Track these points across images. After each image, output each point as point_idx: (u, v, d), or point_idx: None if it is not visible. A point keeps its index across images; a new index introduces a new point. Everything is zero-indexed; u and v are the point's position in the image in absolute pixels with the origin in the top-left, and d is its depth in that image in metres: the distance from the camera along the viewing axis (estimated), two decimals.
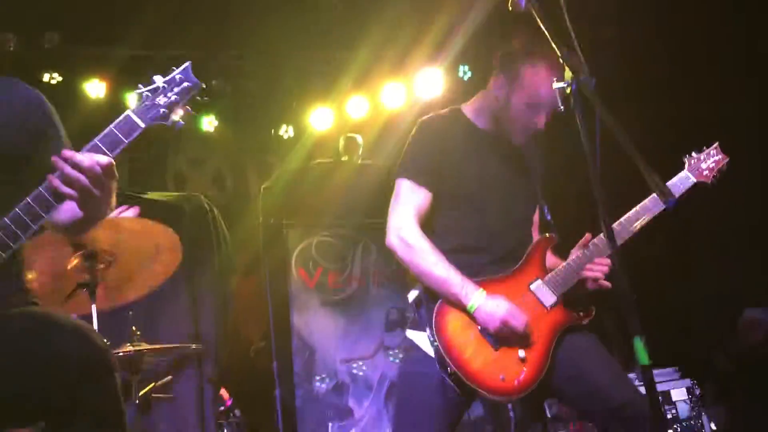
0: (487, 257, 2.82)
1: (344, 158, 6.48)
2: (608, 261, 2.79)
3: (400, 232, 2.78)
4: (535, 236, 2.98)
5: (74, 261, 3.29)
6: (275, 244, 6.29)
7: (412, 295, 2.84)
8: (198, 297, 5.98)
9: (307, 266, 6.46)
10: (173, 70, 2.22)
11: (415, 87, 6.40)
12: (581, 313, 2.79)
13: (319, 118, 6.60)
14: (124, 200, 6.01)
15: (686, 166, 2.96)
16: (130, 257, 3.46)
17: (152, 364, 4.06)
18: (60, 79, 5.87)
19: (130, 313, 3.75)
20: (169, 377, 4.12)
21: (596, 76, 2.22)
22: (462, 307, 2.68)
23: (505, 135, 2.95)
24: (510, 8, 2.59)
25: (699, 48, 5.59)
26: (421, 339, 2.74)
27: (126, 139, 2.11)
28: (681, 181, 2.93)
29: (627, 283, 2.06)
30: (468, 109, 2.99)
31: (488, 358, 2.64)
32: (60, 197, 2.00)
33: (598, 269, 2.79)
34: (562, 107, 2.66)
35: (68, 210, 2.18)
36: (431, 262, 2.72)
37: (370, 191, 6.46)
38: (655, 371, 2.03)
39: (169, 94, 2.17)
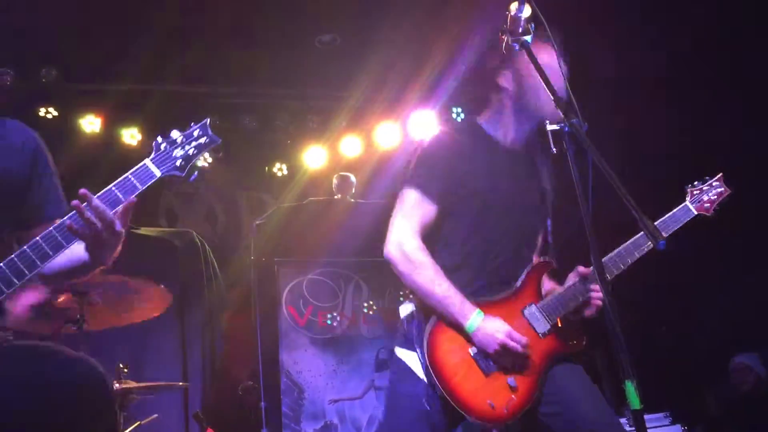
0: (487, 278, 2.75)
1: (337, 197, 6.50)
2: (599, 290, 2.73)
3: (402, 245, 2.69)
4: (535, 258, 2.92)
5: (63, 297, 3.27)
6: (266, 281, 6.27)
7: (405, 309, 2.76)
8: (187, 333, 5.94)
9: (298, 304, 6.43)
10: (192, 126, 2.25)
11: (409, 128, 6.45)
12: (573, 342, 2.74)
13: (313, 157, 6.64)
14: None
15: (688, 197, 2.96)
16: (118, 302, 3.45)
17: (138, 402, 4.00)
18: (56, 113, 5.90)
19: (118, 349, 3.71)
20: (155, 416, 4.06)
21: (589, 119, 2.25)
22: (459, 327, 2.62)
23: (529, 146, 2.88)
24: (504, 51, 2.64)
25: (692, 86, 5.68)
26: (410, 358, 2.68)
27: (141, 186, 2.19)
28: (682, 213, 2.92)
29: (618, 326, 2.06)
30: (484, 121, 2.91)
31: (478, 383, 2.59)
32: (72, 238, 2.01)
33: (596, 296, 2.73)
34: (554, 149, 2.69)
35: (66, 257, 2.18)
36: (431, 279, 2.64)
37: (362, 230, 6.47)
38: (646, 416, 2.01)
39: (186, 148, 2.23)
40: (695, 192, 2.97)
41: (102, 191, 2.12)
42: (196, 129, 2.27)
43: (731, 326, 5.89)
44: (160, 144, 2.22)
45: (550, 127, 2.62)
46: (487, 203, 2.77)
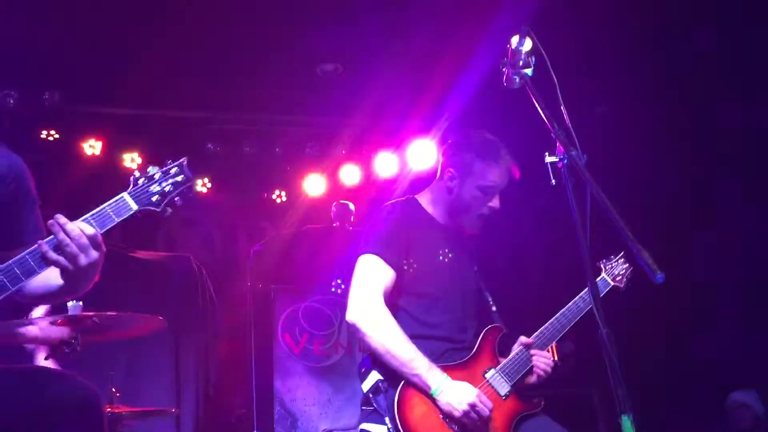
0: (444, 345, 2.83)
1: (335, 225, 6.50)
2: (549, 355, 2.88)
3: (366, 309, 2.72)
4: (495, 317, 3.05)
5: (60, 322, 3.27)
6: (263, 308, 6.25)
7: (367, 384, 2.73)
8: (181, 358, 5.91)
9: (293, 332, 6.40)
10: (169, 163, 2.30)
11: (408, 157, 6.48)
12: (533, 402, 2.82)
13: (313, 184, 6.65)
14: (115, 255, 6.01)
15: (602, 271, 3.17)
16: (113, 326, 3.47)
17: (131, 427, 3.96)
18: (57, 136, 5.92)
19: (112, 374, 3.69)
20: None
21: (587, 152, 2.27)
22: (425, 390, 2.63)
23: (458, 227, 3.04)
24: (504, 84, 2.67)
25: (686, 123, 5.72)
26: (376, 429, 2.67)
27: (117, 218, 2.20)
28: (602, 284, 3.11)
29: (616, 361, 2.05)
30: (423, 200, 3.07)
31: None
32: (46, 263, 2.02)
33: (542, 363, 2.85)
34: (554, 180, 2.71)
35: (41, 281, 2.19)
36: (398, 342, 2.66)
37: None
38: None
39: (163, 184, 2.26)
40: (608, 267, 3.18)
41: (77, 220, 2.11)
42: (173, 167, 2.31)
43: (730, 362, 5.86)
44: (138, 179, 2.25)
45: (548, 159, 2.66)
46: (437, 274, 2.89)
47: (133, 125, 6.13)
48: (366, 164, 6.65)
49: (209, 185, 6.58)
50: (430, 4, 4.86)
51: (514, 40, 2.50)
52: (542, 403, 2.84)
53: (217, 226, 6.86)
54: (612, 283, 3.15)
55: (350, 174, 6.66)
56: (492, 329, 2.92)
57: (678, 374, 6.06)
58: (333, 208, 6.55)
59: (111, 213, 2.16)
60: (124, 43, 5.23)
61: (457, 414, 2.59)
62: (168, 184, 2.26)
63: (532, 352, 2.84)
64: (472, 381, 2.71)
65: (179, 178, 2.28)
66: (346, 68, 5.79)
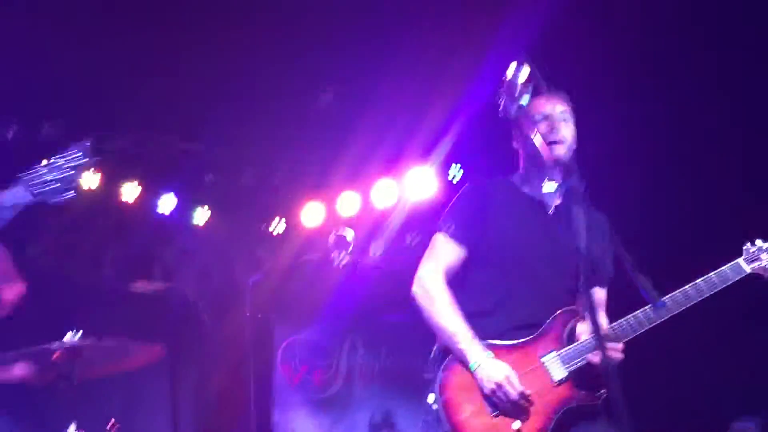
0: (508, 323, 2.75)
1: (334, 254, 6.50)
2: (621, 347, 2.67)
3: (424, 281, 2.81)
4: (604, 318, 2.85)
5: (58, 353, 3.25)
6: (261, 339, 6.22)
7: (432, 354, 2.82)
8: (179, 391, 5.86)
9: (293, 362, 6.36)
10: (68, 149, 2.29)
11: (407, 185, 6.48)
12: (589, 394, 2.66)
13: (310, 214, 6.65)
14: (111, 289, 5.99)
15: (744, 254, 2.80)
16: (111, 357, 3.45)
17: None
18: None
19: (109, 407, 3.65)
20: None
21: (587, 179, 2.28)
22: (465, 365, 2.64)
23: (555, 197, 2.91)
24: (501, 115, 2.68)
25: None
26: (432, 398, 2.72)
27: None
28: (732, 269, 2.77)
29: (620, 392, 2.04)
30: (516, 177, 3.02)
31: (484, 423, 2.58)
32: None
33: (615, 349, 2.64)
34: (551, 210, 2.73)
35: None
36: (445, 315, 2.72)
37: (359, 288, 6.45)
38: None
39: (57, 170, 2.23)
40: (752, 250, 2.80)
41: None
42: (71, 152, 2.28)
43: (732, 389, 5.82)
44: (36, 168, 2.24)
45: (545, 189, 2.69)
46: (515, 252, 2.83)
47: (130, 158, 6.13)
48: (364, 193, 6.66)
49: (206, 216, 6.57)
50: (428, 32, 4.90)
51: (510, 70, 2.51)
52: (599, 398, 2.64)
53: (214, 257, 6.84)
54: (748, 270, 2.76)
55: (348, 203, 6.66)
56: (565, 312, 2.78)
57: (680, 401, 6.02)
58: (331, 238, 6.56)
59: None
60: (122, 74, 5.25)
61: (486, 392, 2.59)
62: (65, 167, 2.23)
63: (606, 344, 2.58)
64: (525, 363, 2.66)
65: (74, 156, 2.26)
66: (343, 96, 5.81)
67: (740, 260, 2.78)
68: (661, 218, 5.80)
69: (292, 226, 6.77)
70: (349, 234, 6.53)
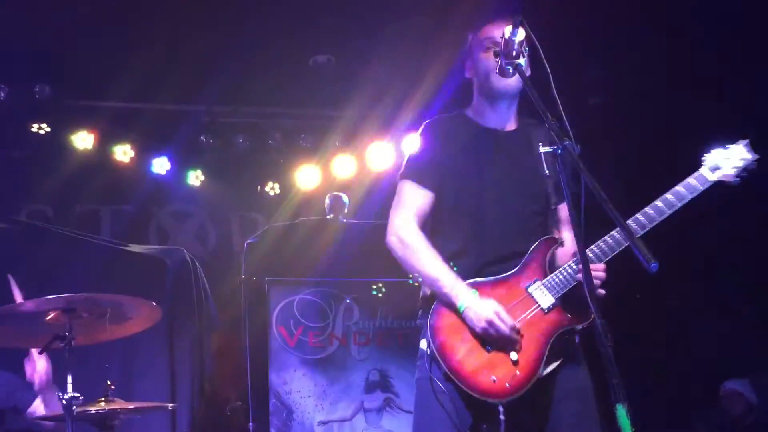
0: (486, 258, 2.76)
1: (329, 217, 6.49)
2: (603, 267, 2.67)
3: (399, 231, 2.80)
4: (568, 235, 2.84)
5: (53, 314, 3.24)
6: (257, 301, 6.24)
7: (418, 302, 2.85)
8: (176, 352, 5.90)
9: (288, 324, 6.40)
10: None
11: (402, 147, 6.46)
12: (579, 316, 2.66)
13: (306, 176, 6.63)
14: (107, 249, 6.01)
15: (704, 163, 2.76)
16: (107, 318, 3.44)
17: (125, 421, 3.95)
18: (48, 129, 5.89)
19: (107, 366, 3.68)
20: None
21: (581, 142, 2.27)
22: (453, 308, 2.65)
23: (511, 124, 2.91)
24: (498, 74, 2.66)
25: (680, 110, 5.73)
26: (425, 345, 2.73)
27: None
28: (698, 180, 2.72)
29: (610, 349, 2.05)
30: (469, 110, 2.99)
31: (480, 359, 2.60)
32: None
33: (595, 276, 2.60)
34: (547, 171, 2.71)
35: None
36: (425, 262, 2.72)
37: (354, 250, 6.46)
38: None
39: None
40: (712, 159, 2.75)
41: None
42: None
43: (723, 351, 5.89)
44: None
45: (542, 150, 2.66)
46: (480, 185, 2.82)
47: (125, 118, 6.10)
48: (360, 155, 6.63)
49: (202, 178, 6.56)
50: None
51: (507, 29, 2.49)
52: (590, 318, 2.61)
53: (210, 219, 6.84)
54: (713, 178, 2.70)
55: (344, 165, 6.64)
56: (545, 241, 2.78)
57: (672, 363, 6.09)
58: (327, 200, 6.55)
59: None
60: (115, 36, 5.21)
61: (478, 331, 2.60)
62: None
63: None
64: (512, 296, 2.68)
65: None
66: (338, 59, 5.77)
67: (702, 169, 2.75)
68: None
69: (287, 188, 6.76)
70: (344, 196, 6.53)
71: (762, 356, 5.70)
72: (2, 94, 5.60)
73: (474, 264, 2.75)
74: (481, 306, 2.61)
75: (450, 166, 2.84)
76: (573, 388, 2.69)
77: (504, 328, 2.58)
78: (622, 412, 1.99)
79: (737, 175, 2.74)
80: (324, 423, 6.24)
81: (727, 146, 2.80)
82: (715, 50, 5.28)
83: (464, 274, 2.71)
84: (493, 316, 2.58)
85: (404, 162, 2.95)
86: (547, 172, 2.74)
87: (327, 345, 6.45)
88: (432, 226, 2.86)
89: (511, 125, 2.94)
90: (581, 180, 2.22)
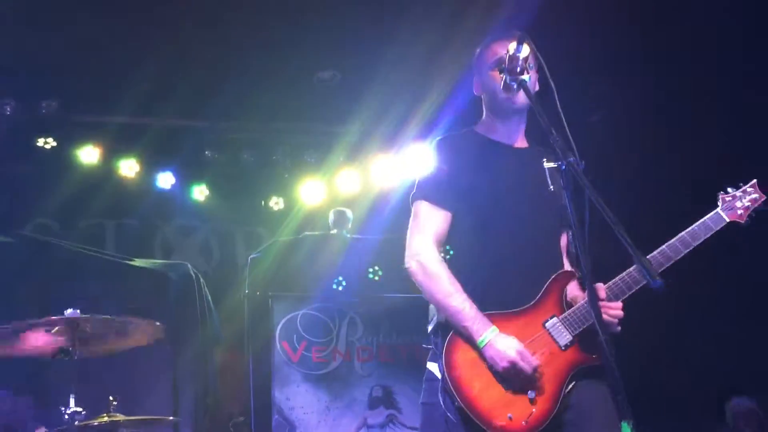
0: (506, 286, 2.71)
1: (333, 232, 6.50)
2: (619, 305, 2.65)
3: (419, 257, 2.73)
4: (565, 262, 2.83)
5: (57, 328, 3.25)
6: (260, 316, 6.24)
7: (431, 325, 2.78)
8: (179, 366, 5.89)
9: (291, 340, 6.39)
10: None
11: (406, 163, 6.47)
12: (597, 355, 2.63)
13: (310, 192, 6.65)
14: (111, 263, 6.02)
15: (720, 204, 2.82)
16: (110, 333, 3.46)
17: None
18: (54, 144, 5.92)
19: (109, 382, 3.68)
20: None
21: (585, 158, 2.27)
22: (473, 342, 2.59)
23: (520, 139, 2.89)
24: (502, 90, 2.67)
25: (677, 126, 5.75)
26: (437, 369, 2.66)
27: None
28: (713, 220, 2.78)
29: (616, 366, 2.05)
30: (479, 127, 2.95)
31: (497, 395, 2.55)
32: None
33: (612, 314, 2.64)
34: (551, 187, 2.71)
35: None
36: (447, 293, 2.65)
37: (358, 266, 6.46)
38: None
39: None
40: (728, 198, 2.83)
41: None
42: None
43: (732, 367, 5.85)
44: None
45: (547, 165, 2.65)
46: (497, 201, 2.76)
47: (130, 133, 6.13)
48: (364, 171, 6.65)
49: (206, 192, 6.57)
50: (427, 11, 4.87)
51: (511, 46, 2.50)
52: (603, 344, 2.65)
53: (214, 234, 6.86)
54: (727, 219, 2.79)
55: (348, 181, 6.66)
56: (562, 274, 2.74)
57: (677, 378, 6.06)
58: (331, 216, 6.57)
59: None
60: (121, 51, 5.24)
61: (498, 369, 2.55)
62: None
63: (602, 303, 2.61)
64: (530, 330, 2.63)
65: None
66: (343, 75, 5.80)
67: (719, 210, 2.81)
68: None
69: (291, 203, 6.78)
70: (348, 211, 6.54)
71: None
72: (9, 109, 5.63)
73: (489, 290, 2.70)
74: (503, 344, 2.56)
75: (465, 184, 2.78)
76: (593, 404, 2.62)
77: (528, 369, 2.54)
78: (627, 429, 1.98)
79: (749, 216, 2.84)
80: None
81: (740, 185, 2.87)
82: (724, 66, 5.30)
83: (479, 295, 2.66)
84: (515, 357, 2.53)
85: (417, 181, 2.88)
86: (551, 188, 2.73)
87: (330, 360, 6.43)
88: (447, 243, 2.80)
89: (521, 142, 2.92)
90: (585, 196, 2.22)
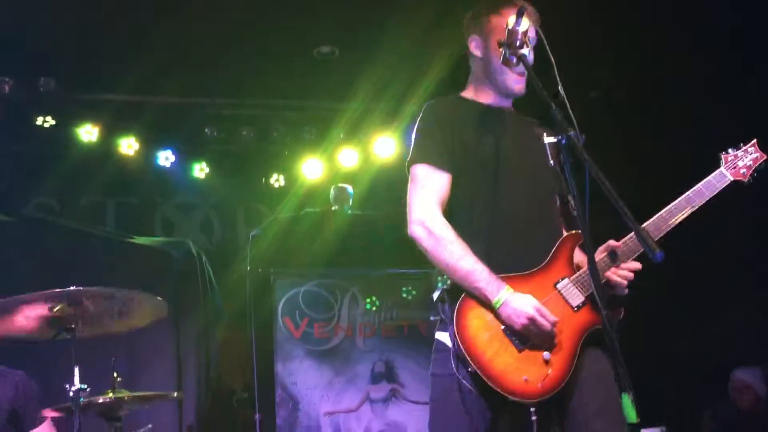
0: (512, 247, 2.69)
1: (334, 208, 6.50)
2: (634, 266, 2.64)
3: (425, 222, 2.65)
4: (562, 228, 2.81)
5: (60, 306, 3.26)
6: (262, 292, 6.26)
7: (436, 293, 2.71)
8: (182, 343, 5.93)
9: (294, 316, 6.42)
10: None
11: (406, 139, 6.46)
12: (610, 313, 2.53)
13: (311, 168, 6.64)
14: (112, 242, 6.03)
15: (722, 163, 2.84)
16: (113, 311, 3.46)
17: (132, 412, 3.97)
18: (53, 122, 5.90)
19: (113, 359, 3.69)
20: (150, 426, 4.04)
21: (586, 133, 2.26)
22: (487, 303, 2.55)
23: (508, 104, 2.86)
24: (501, 64, 2.65)
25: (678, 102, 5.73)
26: (447, 338, 2.60)
27: None
28: (717, 179, 2.79)
29: (616, 339, 2.06)
30: (467, 92, 2.91)
31: (511, 358, 2.52)
32: None
33: (622, 275, 2.63)
34: (552, 161, 2.70)
35: None
36: (457, 255, 2.59)
37: (359, 242, 6.47)
38: (642, 430, 2.00)
39: None
40: (729, 158, 2.85)
41: None
42: None
43: (735, 340, 5.86)
44: None
45: (547, 140, 2.64)
46: (496, 161, 2.73)
47: (129, 111, 6.11)
48: (365, 147, 6.64)
49: (207, 170, 6.57)
50: None
51: (511, 20, 2.48)
52: (620, 315, 2.62)
53: (215, 211, 6.86)
54: (731, 178, 2.81)
55: (349, 157, 6.65)
56: (570, 236, 2.72)
57: (679, 352, 6.08)
58: (332, 192, 6.56)
59: None
60: (120, 28, 5.21)
61: (517, 327, 2.51)
62: None
63: (618, 263, 2.63)
64: (541, 292, 2.59)
65: None
66: (342, 51, 5.76)
67: (722, 168, 2.82)
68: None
69: (292, 179, 6.77)
70: (349, 188, 6.53)
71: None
72: (7, 88, 5.61)
73: (496, 252, 2.66)
74: (520, 302, 2.53)
75: (461, 144, 2.74)
76: (597, 370, 2.60)
77: (546, 324, 2.51)
78: (627, 401, 1.99)
79: (751, 175, 2.85)
80: (330, 414, 6.26)
81: (740, 145, 2.88)
82: (721, 45, 5.27)
83: (484, 258, 2.61)
84: (534, 313, 2.50)
85: (413, 146, 2.81)
86: (551, 162, 2.72)
87: (332, 336, 6.47)
88: (450, 210, 2.73)
89: (509, 107, 2.89)
90: (585, 170, 2.21)
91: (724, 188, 2.79)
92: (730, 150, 2.88)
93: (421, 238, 2.66)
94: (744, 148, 2.88)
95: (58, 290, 3.14)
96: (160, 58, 5.35)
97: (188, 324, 5.99)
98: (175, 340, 5.88)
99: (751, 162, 2.86)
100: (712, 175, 2.80)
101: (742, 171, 2.84)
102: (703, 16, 5.10)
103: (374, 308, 6.56)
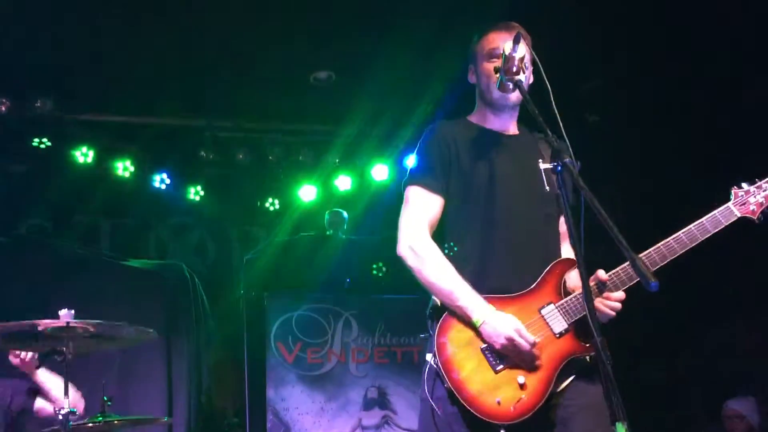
0: (502, 271, 2.69)
1: (329, 232, 6.50)
2: (619, 296, 2.59)
3: (411, 241, 2.70)
4: (566, 248, 2.80)
5: (49, 329, 3.24)
6: (255, 316, 6.23)
7: (427, 310, 2.74)
8: (174, 367, 5.88)
9: (287, 340, 6.38)
10: None
11: (401, 164, 6.48)
12: (591, 344, 2.43)
13: (306, 192, 6.65)
14: (106, 263, 6.01)
15: (732, 198, 2.70)
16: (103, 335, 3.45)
17: None
18: (49, 144, 5.91)
19: (104, 382, 3.66)
20: None
21: (581, 159, 2.27)
22: (468, 321, 2.56)
23: (512, 125, 2.88)
24: (498, 90, 2.67)
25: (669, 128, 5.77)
26: (430, 358, 2.61)
27: None
28: (723, 215, 2.66)
29: (610, 367, 2.04)
30: (472, 116, 2.94)
31: (486, 379, 2.52)
32: None
33: (610, 306, 2.59)
34: (547, 187, 2.71)
35: None
36: (440, 274, 2.63)
37: (353, 266, 6.46)
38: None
39: None
40: (740, 193, 2.71)
41: None
42: None
43: (729, 366, 5.85)
44: None
45: (543, 166, 2.65)
46: (490, 185, 2.75)
47: (125, 133, 6.12)
48: (359, 172, 6.65)
49: (202, 192, 6.56)
50: (423, 11, 4.87)
51: (507, 46, 2.49)
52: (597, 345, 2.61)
53: (209, 233, 6.85)
54: (739, 214, 2.66)
55: (344, 182, 6.66)
56: (561, 262, 2.71)
57: (673, 378, 6.06)
58: (326, 216, 6.56)
59: None
60: (117, 50, 5.23)
61: (496, 346, 2.52)
62: None
63: (606, 294, 2.59)
64: (525, 315, 2.59)
65: None
66: (339, 76, 5.79)
67: (730, 204, 2.70)
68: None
69: (287, 203, 6.77)
70: (344, 212, 6.54)
71: None
72: (3, 108, 5.61)
73: (484, 275, 2.67)
74: (501, 320, 2.54)
75: (459, 170, 2.77)
76: (584, 403, 2.59)
77: (525, 345, 2.51)
78: (621, 430, 1.97)
79: (762, 212, 2.71)
80: None
81: (756, 180, 2.75)
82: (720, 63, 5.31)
83: (474, 281, 2.62)
84: (513, 333, 2.51)
85: (410, 167, 2.87)
86: (547, 188, 2.72)
87: (325, 361, 6.43)
88: (441, 232, 2.77)
89: (513, 130, 2.92)
90: (581, 197, 2.21)
91: (730, 224, 2.66)
92: (744, 184, 2.73)
93: (407, 257, 2.71)
94: (759, 183, 2.73)
95: (47, 321, 3.13)
96: (156, 81, 5.38)
97: (180, 347, 5.95)
98: (166, 363, 5.83)
99: (763, 199, 2.70)
100: (719, 210, 2.68)
101: (752, 208, 2.69)
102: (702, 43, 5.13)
103: (380, 273, 6.51)
